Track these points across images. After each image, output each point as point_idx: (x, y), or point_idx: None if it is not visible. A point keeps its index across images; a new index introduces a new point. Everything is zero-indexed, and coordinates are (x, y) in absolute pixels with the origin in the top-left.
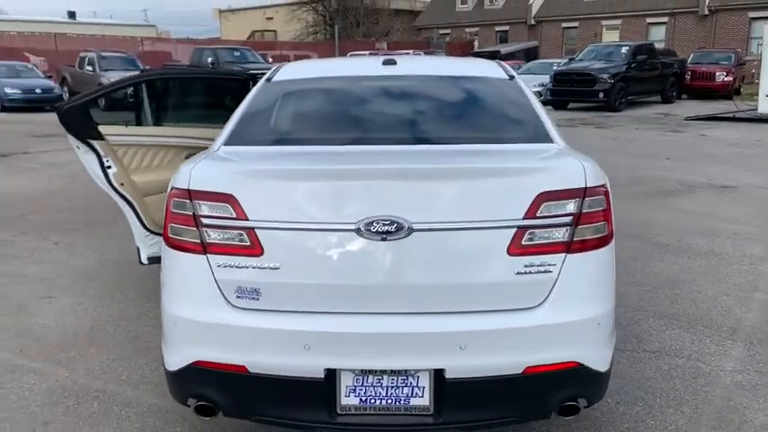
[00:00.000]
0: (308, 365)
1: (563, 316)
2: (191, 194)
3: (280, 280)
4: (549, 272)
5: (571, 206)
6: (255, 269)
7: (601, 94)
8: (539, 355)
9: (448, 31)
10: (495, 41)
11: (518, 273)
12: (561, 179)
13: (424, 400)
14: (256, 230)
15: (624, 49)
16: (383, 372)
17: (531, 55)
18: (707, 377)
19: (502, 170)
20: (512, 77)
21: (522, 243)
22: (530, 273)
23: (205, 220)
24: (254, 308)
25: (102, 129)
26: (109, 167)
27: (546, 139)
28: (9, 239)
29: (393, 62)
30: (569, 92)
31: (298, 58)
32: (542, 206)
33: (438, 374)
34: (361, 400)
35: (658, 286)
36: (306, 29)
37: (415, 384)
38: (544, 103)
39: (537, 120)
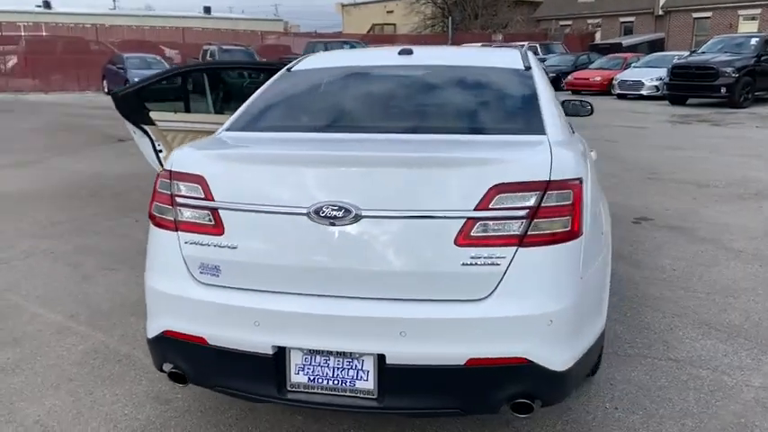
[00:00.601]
0: (258, 341)
1: (510, 310)
2: (171, 175)
3: (236, 258)
4: (497, 264)
5: (528, 199)
6: (216, 247)
7: (723, 89)
8: (482, 348)
9: (569, 22)
10: (619, 33)
11: (464, 264)
12: (520, 171)
13: (368, 383)
14: (220, 211)
15: (754, 41)
16: (329, 353)
17: (655, 47)
18: (726, 391)
19: (457, 160)
20: (528, 68)
21: (471, 234)
22: (476, 264)
23: (179, 200)
24: (214, 284)
25: (153, 115)
26: (160, 151)
27: (538, 130)
28: (94, 216)
29: (409, 52)
30: (688, 86)
31: None
32: (496, 198)
33: (381, 359)
34: (309, 378)
35: (712, 293)
36: (423, 21)
37: (359, 368)
38: (660, 98)
39: (535, 111)
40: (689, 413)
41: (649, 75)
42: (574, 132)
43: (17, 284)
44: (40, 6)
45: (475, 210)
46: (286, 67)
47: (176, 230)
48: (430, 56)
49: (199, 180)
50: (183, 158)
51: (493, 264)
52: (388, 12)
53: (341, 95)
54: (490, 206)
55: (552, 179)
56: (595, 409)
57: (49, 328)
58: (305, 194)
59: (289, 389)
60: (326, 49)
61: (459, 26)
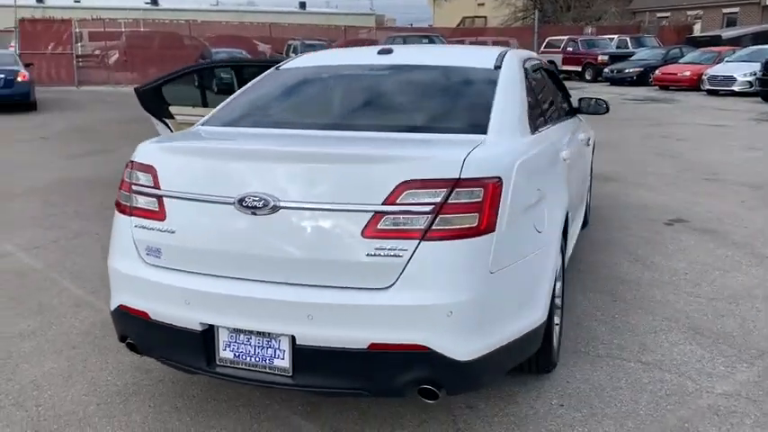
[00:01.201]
0: (187, 318)
1: (410, 299)
2: (133, 165)
3: (174, 242)
4: (399, 256)
5: (436, 196)
6: (159, 231)
7: None
8: (384, 334)
9: (666, 14)
10: (721, 25)
11: (368, 254)
12: (429, 169)
13: (284, 362)
14: (164, 198)
15: None
16: (251, 332)
17: (759, 40)
18: (683, 396)
19: (369, 157)
20: (497, 67)
21: (378, 227)
22: (379, 255)
23: (134, 187)
24: (156, 264)
25: (173, 109)
26: None
27: (479, 130)
28: None
29: (388, 51)
30: None
31: (495, 44)
32: (404, 193)
33: (293, 340)
34: (235, 354)
35: (716, 299)
36: (514, 14)
37: (277, 347)
38: (754, 94)
39: (484, 111)
40: (633, 414)
41: (743, 69)
42: (536, 132)
43: (59, 262)
44: (148, 3)
45: (383, 204)
46: (275, 66)
47: (131, 215)
48: (407, 56)
49: (150, 170)
50: (142, 150)
51: (395, 255)
52: (479, 4)
53: (306, 93)
54: (397, 201)
55: (462, 177)
56: (541, 404)
57: (70, 301)
58: (233, 186)
59: (218, 363)
60: (404, 43)
61: (550, 18)
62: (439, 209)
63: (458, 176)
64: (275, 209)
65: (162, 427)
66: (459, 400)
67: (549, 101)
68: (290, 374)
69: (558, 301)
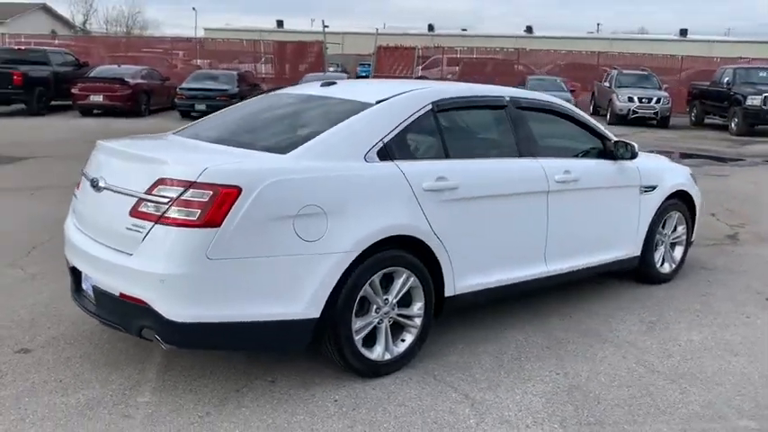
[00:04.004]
0: (69, 260)
1: (139, 265)
2: None
3: (77, 206)
4: (140, 232)
5: (174, 192)
6: (75, 198)
7: None
8: (126, 287)
9: None
10: None
11: (127, 228)
12: (176, 172)
13: (93, 297)
14: (83, 177)
15: None
16: (87, 274)
17: None
18: (444, 427)
19: (147, 158)
20: (379, 102)
21: (138, 209)
22: (131, 230)
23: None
24: (72, 222)
25: None
26: None
27: (285, 150)
28: None
29: (329, 84)
30: None
31: None
32: (158, 187)
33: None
34: (86, 288)
35: (660, 373)
36: None
37: (92, 285)
38: None
39: (309, 136)
40: (377, 425)
41: None
42: (388, 161)
43: None
44: (525, 30)
45: (144, 193)
46: (268, 92)
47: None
48: (331, 89)
49: (88, 159)
50: None
51: (137, 231)
52: None
53: (240, 114)
54: (152, 192)
55: (197, 181)
56: (324, 396)
57: None
58: (95, 170)
59: (82, 294)
60: (733, 76)
61: None
62: (173, 202)
63: (194, 180)
64: (100, 189)
65: (87, 341)
66: (266, 374)
67: (475, 138)
68: (96, 306)
69: (417, 321)
